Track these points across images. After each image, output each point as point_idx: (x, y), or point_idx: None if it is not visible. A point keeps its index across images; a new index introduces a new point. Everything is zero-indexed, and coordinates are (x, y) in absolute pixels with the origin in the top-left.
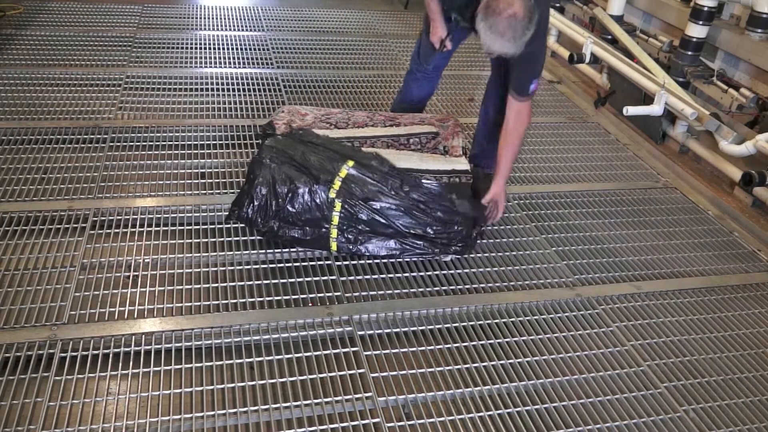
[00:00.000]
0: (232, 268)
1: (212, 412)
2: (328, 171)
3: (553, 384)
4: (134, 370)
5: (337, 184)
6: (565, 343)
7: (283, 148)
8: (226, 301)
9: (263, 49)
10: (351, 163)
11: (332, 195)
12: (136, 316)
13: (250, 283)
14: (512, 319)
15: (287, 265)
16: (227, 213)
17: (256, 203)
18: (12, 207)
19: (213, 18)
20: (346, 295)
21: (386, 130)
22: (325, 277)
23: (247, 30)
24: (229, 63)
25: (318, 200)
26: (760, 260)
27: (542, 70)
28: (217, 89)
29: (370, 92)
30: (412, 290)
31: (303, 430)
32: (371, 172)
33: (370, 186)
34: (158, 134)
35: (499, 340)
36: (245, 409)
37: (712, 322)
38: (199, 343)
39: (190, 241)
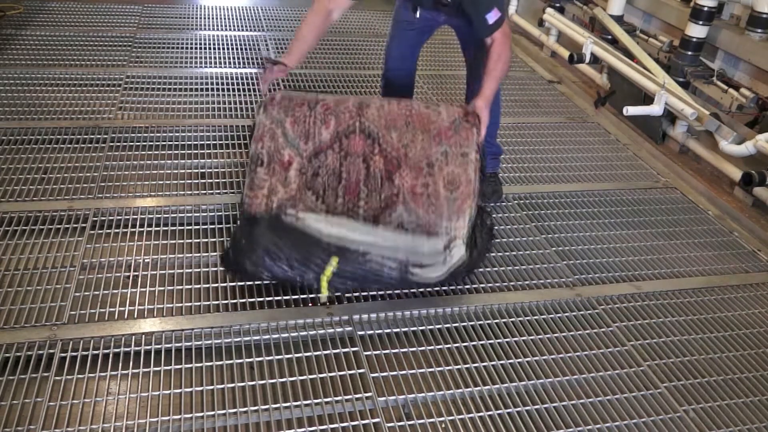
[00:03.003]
0: None
1: (212, 412)
2: (315, 266)
3: (553, 384)
4: (134, 370)
5: (324, 283)
6: (565, 343)
7: (270, 248)
8: (226, 301)
9: (263, 49)
10: (335, 261)
11: (324, 293)
12: (136, 316)
13: (250, 283)
14: (512, 319)
15: None
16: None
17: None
18: (12, 207)
19: (213, 18)
20: (347, 295)
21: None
22: None
23: (247, 30)
24: (229, 63)
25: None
26: (760, 260)
27: (499, 3)
28: (217, 89)
29: (370, 92)
30: (412, 290)
31: (303, 430)
32: (357, 264)
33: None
34: (158, 134)
35: (499, 340)
36: (245, 409)
37: (712, 322)
38: (199, 343)
39: (190, 241)
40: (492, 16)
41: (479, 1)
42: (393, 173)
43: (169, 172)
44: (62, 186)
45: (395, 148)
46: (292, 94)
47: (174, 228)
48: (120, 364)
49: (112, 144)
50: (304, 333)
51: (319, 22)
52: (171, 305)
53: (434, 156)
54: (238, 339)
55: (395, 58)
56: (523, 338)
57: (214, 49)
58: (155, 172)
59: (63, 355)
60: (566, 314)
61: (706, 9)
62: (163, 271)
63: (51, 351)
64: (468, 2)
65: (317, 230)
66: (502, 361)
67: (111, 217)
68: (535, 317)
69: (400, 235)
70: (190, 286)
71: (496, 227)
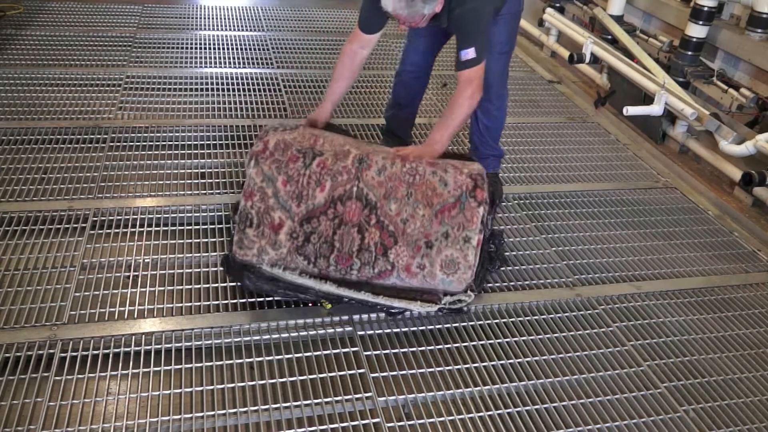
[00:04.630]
0: None
1: (212, 412)
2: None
3: (553, 384)
4: (134, 370)
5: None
6: (565, 343)
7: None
8: (226, 301)
9: (263, 49)
10: (328, 306)
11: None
12: (136, 316)
13: None
14: (512, 319)
15: None
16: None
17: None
18: (12, 207)
19: (213, 18)
20: None
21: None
22: None
23: (247, 30)
24: (229, 63)
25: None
26: (760, 260)
27: (481, 45)
28: (217, 89)
29: (370, 92)
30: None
31: (303, 430)
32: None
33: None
34: (158, 134)
35: (499, 340)
36: (245, 409)
37: (712, 322)
38: (199, 343)
39: (190, 241)
40: (465, 54)
41: (464, 31)
42: (389, 249)
43: (169, 172)
44: (62, 186)
45: (393, 221)
46: (288, 139)
47: (174, 228)
48: (120, 364)
49: (112, 144)
50: (304, 333)
51: (348, 63)
52: (171, 305)
53: (434, 236)
54: (238, 339)
55: (410, 60)
56: (523, 338)
57: (214, 49)
58: (155, 172)
59: (63, 355)
60: (566, 314)
61: (706, 9)
62: (163, 271)
63: (51, 351)
64: (453, 28)
65: (309, 284)
66: (502, 361)
67: (111, 217)
68: (535, 317)
69: (394, 302)
70: (190, 286)
71: (496, 227)
